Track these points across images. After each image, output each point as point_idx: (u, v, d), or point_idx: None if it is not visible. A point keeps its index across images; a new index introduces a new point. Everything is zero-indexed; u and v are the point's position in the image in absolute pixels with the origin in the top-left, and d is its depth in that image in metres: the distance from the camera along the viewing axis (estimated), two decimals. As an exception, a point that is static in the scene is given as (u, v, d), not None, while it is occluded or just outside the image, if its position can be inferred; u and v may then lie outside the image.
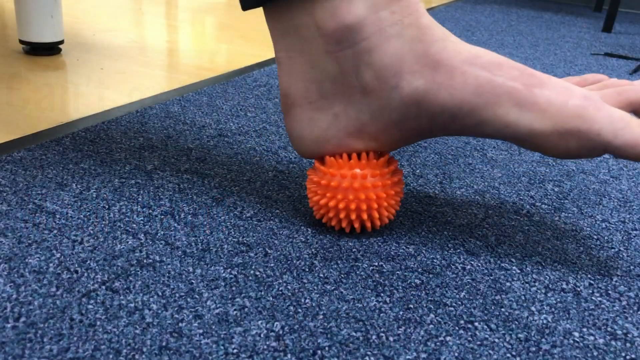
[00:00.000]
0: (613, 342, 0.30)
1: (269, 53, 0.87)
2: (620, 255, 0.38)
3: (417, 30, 0.33)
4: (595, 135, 0.32)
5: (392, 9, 0.33)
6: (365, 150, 0.36)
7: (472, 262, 0.36)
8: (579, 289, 0.34)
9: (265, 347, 0.27)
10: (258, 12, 1.25)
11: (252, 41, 0.95)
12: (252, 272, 0.32)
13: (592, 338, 0.30)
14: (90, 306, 0.28)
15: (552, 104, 0.33)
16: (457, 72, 0.33)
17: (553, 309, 0.32)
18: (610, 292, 0.34)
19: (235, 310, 0.29)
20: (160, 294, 0.30)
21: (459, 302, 0.32)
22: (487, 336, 0.29)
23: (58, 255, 0.32)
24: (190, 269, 0.32)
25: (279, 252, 0.34)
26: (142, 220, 0.36)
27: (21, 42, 0.72)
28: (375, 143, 0.36)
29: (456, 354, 0.28)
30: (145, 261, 0.32)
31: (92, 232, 0.35)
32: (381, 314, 0.30)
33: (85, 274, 0.31)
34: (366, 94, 0.34)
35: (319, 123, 0.36)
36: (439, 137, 0.57)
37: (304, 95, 0.36)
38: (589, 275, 0.35)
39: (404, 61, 0.33)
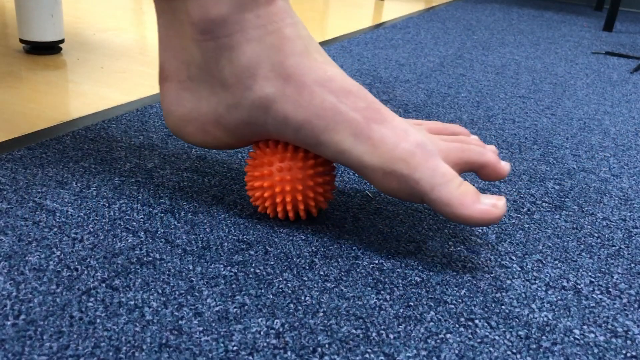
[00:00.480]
0: (614, 340, 0.30)
1: (270, 52, 0.87)
2: (621, 253, 0.38)
3: (278, 40, 0.35)
4: (414, 182, 0.33)
5: (258, 12, 0.34)
6: (223, 140, 0.37)
7: (473, 260, 0.35)
8: (579, 287, 0.34)
9: (265, 344, 0.27)
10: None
11: (252, 40, 0.95)
12: (252, 269, 0.32)
13: (592, 335, 0.30)
14: (90, 304, 0.28)
15: (384, 142, 0.34)
16: (306, 90, 0.34)
17: (554, 307, 0.32)
18: (611, 289, 0.34)
19: (235, 307, 0.29)
20: (160, 291, 0.30)
21: (460, 300, 0.32)
22: (487, 334, 0.29)
23: (58, 253, 0.32)
24: (191, 267, 0.32)
25: (279, 250, 0.34)
26: (142, 218, 0.36)
27: (22, 41, 0.72)
28: (230, 135, 0.37)
29: (456, 352, 0.28)
30: (145, 259, 0.32)
31: (92, 230, 0.35)
32: (381, 312, 0.30)
33: (85, 272, 0.31)
34: (224, 87, 0.36)
35: (185, 102, 0.37)
36: (440, 136, 0.57)
37: (176, 73, 0.37)
38: (589, 273, 0.35)
39: (260, 66, 0.34)
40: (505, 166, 0.36)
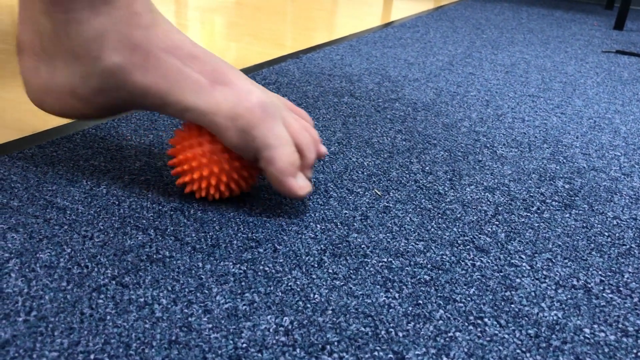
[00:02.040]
0: (624, 339, 0.29)
1: (278, 51, 0.87)
2: (632, 252, 0.38)
3: (126, 14, 0.37)
4: (251, 138, 0.36)
5: None
6: (81, 110, 0.39)
7: (482, 259, 0.35)
8: (589, 286, 0.34)
9: (274, 341, 0.27)
10: (267, 11, 1.25)
11: (261, 40, 0.95)
12: (261, 267, 0.32)
13: (603, 335, 0.30)
14: (100, 301, 0.29)
15: (227, 100, 0.36)
16: (152, 57, 0.37)
17: (563, 306, 0.32)
18: (621, 288, 0.34)
19: (244, 305, 0.29)
20: (169, 288, 0.30)
21: (469, 298, 0.31)
22: (496, 332, 0.29)
23: (69, 250, 0.32)
24: (200, 265, 0.32)
25: (288, 248, 0.35)
26: (152, 216, 0.37)
27: (32, 40, 0.72)
28: (88, 105, 0.39)
29: (465, 350, 0.28)
30: (155, 256, 0.33)
31: (102, 227, 0.35)
32: (390, 310, 0.30)
33: (96, 269, 0.31)
34: (76, 58, 0.38)
35: (41, 74, 0.39)
36: (448, 135, 0.57)
37: (31, 44, 0.39)
38: (600, 272, 0.35)
39: (107, 38, 0.37)
40: (308, 174, 0.38)
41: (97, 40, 0.37)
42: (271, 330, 0.28)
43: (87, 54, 0.37)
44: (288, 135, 0.37)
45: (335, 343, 0.27)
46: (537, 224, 0.40)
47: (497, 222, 0.40)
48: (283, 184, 0.36)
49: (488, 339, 0.28)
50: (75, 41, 0.37)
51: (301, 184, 0.37)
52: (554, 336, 0.29)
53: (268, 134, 0.36)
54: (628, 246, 0.39)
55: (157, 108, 0.37)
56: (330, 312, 0.29)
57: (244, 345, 0.27)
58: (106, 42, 0.37)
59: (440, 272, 0.34)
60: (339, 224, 0.38)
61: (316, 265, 0.33)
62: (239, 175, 0.38)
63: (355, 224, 0.38)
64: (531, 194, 0.45)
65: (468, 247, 0.37)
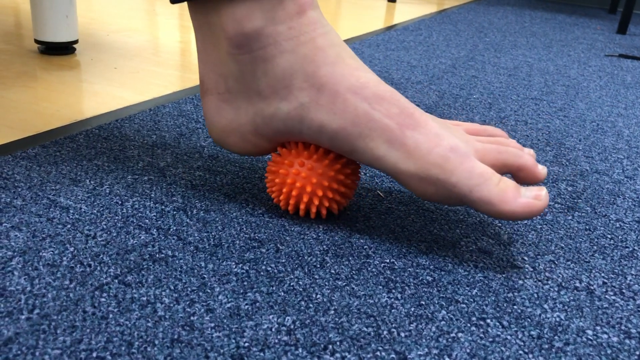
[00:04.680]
0: (627, 341, 0.29)
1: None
2: (635, 255, 0.38)
3: (310, 50, 0.35)
4: (451, 186, 0.33)
5: (290, 24, 0.35)
6: (264, 147, 0.38)
7: (485, 260, 0.35)
8: (592, 288, 0.34)
9: (276, 341, 0.27)
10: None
11: (264, 42, 0.95)
12: (263, 267, 0.32)
13: (605, 336, 0.30)
14: (103, 299, 0.29)
15: (418, 148, 0.34)
16: (340, 98, 0.35)
17: (566, 307, 0.32)
18: (624, 291, 0.34)
19: (246, 304, 0.29)
20: (172, 287, 0.30)
21: (471, 299, 0.31)
22: (499, 333, 0.29)
23: (71, 249, 0.32)
24: (202, 264, 0.32)
25: (290, 248, 0.35)
26: (154, 215, 0.37)
27: (36, 41, 0.72)
28: (270, 145, 0.38)
29: (468, 350, 0.28)
30: (157, 256, 0.33)
31: (105, 226, 0.35)
32: (392, 310, 0.30)
33: (98, 268, 0.31)
34: (261, 98, 0.36)
35: (225, 114, 0.38)
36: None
37: (215, 85, 0.38)
38: (602, 274, 0.35)
39: (294, 77, 0.35)
40: (542, 170, 0.36)
41: (284, 79, 0.35)
42: (273, 329, 0.28)
43: (272, 95, 0.36)
44: (488, 168, 0.34)
45: (338, 343, 0.27)
46: (539, 226, 0.40)
47: (500, 224, 0.40)
48: (516, 211, 0.33)
49: (490, 339, 0.28)
50: (261, 81, 0.36)
51: (533, 194, 0.33)
52: (556, 337, 0.29)
53: (469, 176, 0.33)
54: (631, 249, 0.38)
55: (346, 153, 0.36)
56: (332, 312, 0.29)
57: (246, 344, 0.27)
58: (293, 82, 0.35)
59: (442, 273, 0.34)
60: (341, 224, 0.38)
61: (318, 266, 0.33)
62: (329, 195, 0.36)
63: (357, 225, 0.38)
64: (534, 196, 0.45)
65: (470, 248, 0.37)
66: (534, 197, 0.33)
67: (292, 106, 0.35)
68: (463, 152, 0.34)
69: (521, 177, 0.36)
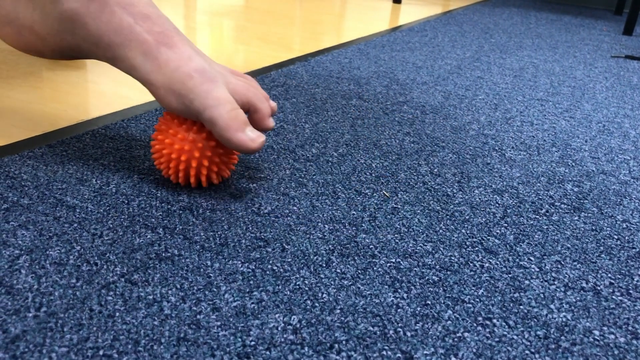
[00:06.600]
0: (634, 341, 0.29)
1: (287, 54, 0.87)
2: (642, 255, 0.38)
3: None
4: (189, 102, 0.38)
5: None
6: (37, 47, 0.41)
7: (491, 260, 0.35)
8: (599, 288, 0.33)
9: (282, 339, 0.27)
10: (276, 15, 1.25)
11: (269, 43, 0.95)
12: (269, 266, 0.32)
13: (612, 337, 0.29)
14: (109, 297, 0.29)
15: (168, 64, 0.38)
16: (107, 9, 0.39)
17: (573, 307, 0.31)
18: (631, 291, 0.33)
19: (252, 303, 0.29)
20: (178, 286, 0.30)
21: (477, 299, 0.31)
22: (505, 333, 0.29)
23: (78, 247, 0.33)
24: (209, 263, 0.32)
25: (296, 248, 0.35)
26: (160, 215, 0.37)
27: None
28: (44, 43, 0.41)
29: (474, 350, 0.27)
30: (163, 255, 0.33)
31: (111, 225, 0.35)
32: (398, 310, 0.30)
33: (105, 267, 0.31)
34: None
35: (5, 5, 0.41)
36: (457, 138, 0.56)
37: None
38: (609, 275, 0.35)
39: None
40: (271, 121, 0.41)
41: None
42: (279, 328, 0.28)
43: None
44: (228, 96, 0.38)
45: (344, 342, 0.27)
46: (545, 227, 0.40)
47: (506, 224, 0.40)
48: (231, 140, 0.37)
49: (497, 339, 0.28)
50: None
51: (252, 136, 0.38)
52: (563, 337, 0.29)
53: (206, 95, 0.37)
54: (638, 249, 0.38)
55: (108, 60, 0.40)
56: (338, 311, 0.29)
57: (252, 343, 0.27)
58: None
59: (448, 273, 0.34)
60: (347, 224, 0.38)
61: (324, 265, 0.33)
62: (220, 161, 0.39)
63: (363, 225, 0.38)
64: (540, 197, 0.45)
65: (476, 248, 0.36)
66: (251, 138, 0.37)
67: (64, 8, 0.39)
68: (208, 77, 0.38)
69: (255, 118, 0.41)
